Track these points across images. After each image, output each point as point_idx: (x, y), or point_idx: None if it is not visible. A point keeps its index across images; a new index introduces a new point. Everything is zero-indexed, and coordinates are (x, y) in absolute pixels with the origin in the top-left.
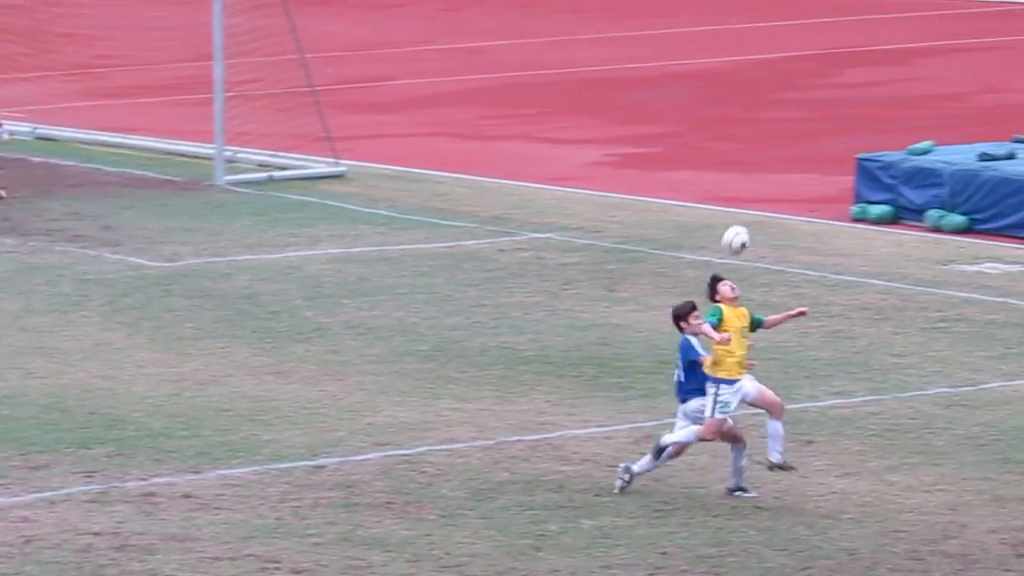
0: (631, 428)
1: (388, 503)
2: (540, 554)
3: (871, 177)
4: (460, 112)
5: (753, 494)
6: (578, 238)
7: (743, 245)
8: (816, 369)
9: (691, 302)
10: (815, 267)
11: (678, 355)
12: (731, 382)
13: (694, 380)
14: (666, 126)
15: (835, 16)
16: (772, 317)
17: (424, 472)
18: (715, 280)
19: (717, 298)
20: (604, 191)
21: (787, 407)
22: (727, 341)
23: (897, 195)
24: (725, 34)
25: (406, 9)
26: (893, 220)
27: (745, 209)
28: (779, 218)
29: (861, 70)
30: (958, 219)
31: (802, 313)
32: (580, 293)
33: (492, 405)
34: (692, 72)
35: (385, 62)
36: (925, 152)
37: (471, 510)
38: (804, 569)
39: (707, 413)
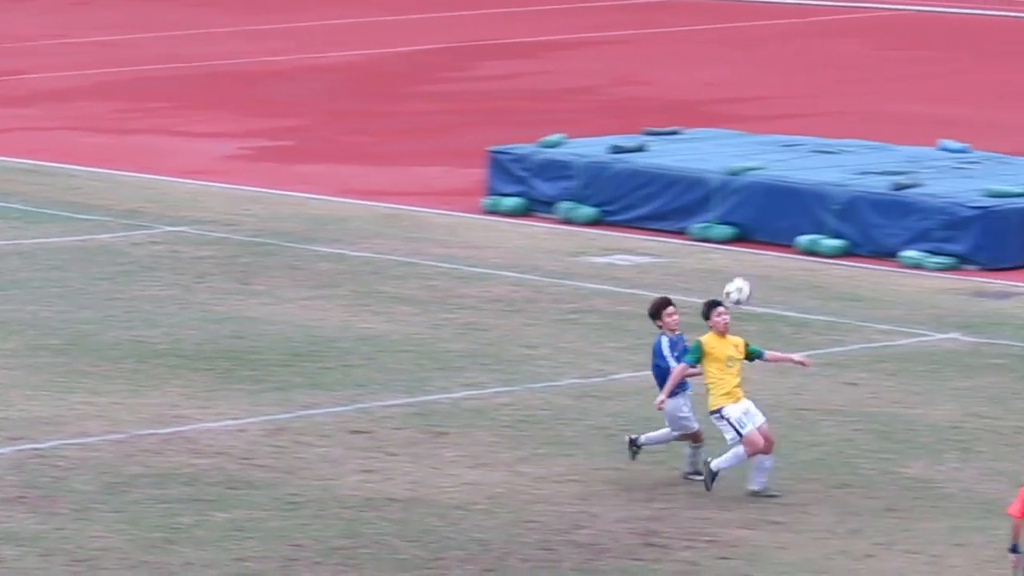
0: (265, 421)
1: (20, 497)
2: (173, 547)
3: (503, 170)
4: (95, 106)
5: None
6: (212, 231)
7: (737, 302)
8: (449, 361)
9: (665, 298)
10: (448, 259)
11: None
12: (732, 405)
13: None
14: (301, 119)
15: (467, 10)
16: (774, 353)
17: (57, 466)
18: (712, 305)
19: (709, 323)
20: (239, 184)
21: (420, 399)
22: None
23: (529, 187)
24: (359, 27)
25: (37, 2)
26: (525, 212)
27: (379, 202)
28: (412, 211)
29: (493, 63)
30: (589, 211)
31: (804, 364)
32: (214, 286)
33: (125, 399)
34: (327, 66)
35: (17, 55)
36: (556, 145)
37: (104, 504)
38: (436, 560)
39: (730, 437)
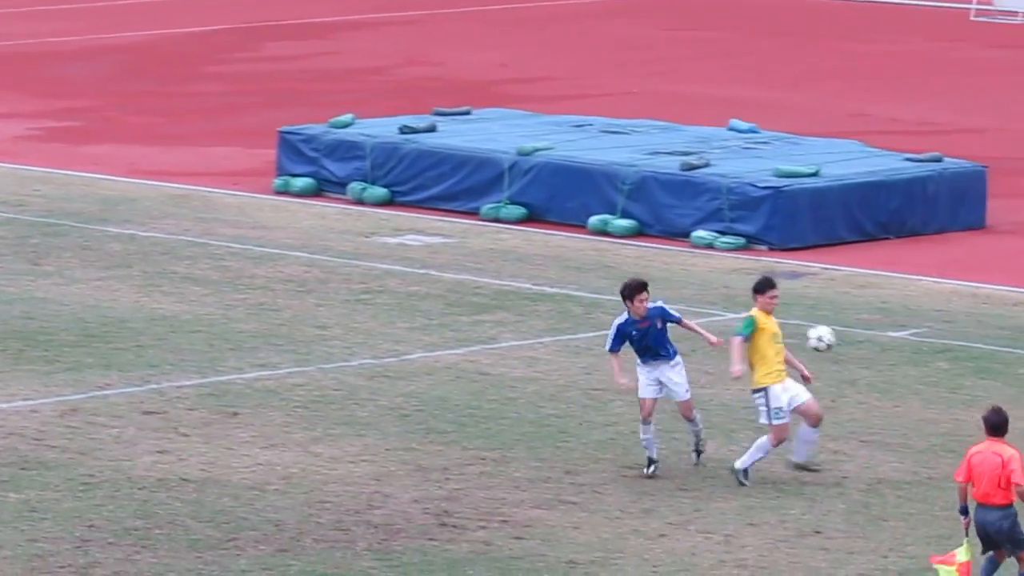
0: (57, 401)
1: None
2: None
3: (294, 150)
4: None
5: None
6: (1, 212)
7: (829, 346)
8: (241, 341)
9: (642, 283)
10: (239, 240)
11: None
12: (777, 386)
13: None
14: (89, 100)
15: None
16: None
17: None
18: (769, 284)
19: (761, 301)
20: (28, 165)
21: (212, 379)
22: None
23: (320, 168)
24: (148, 7)
25: None
26: (316, 193)
27: (169, 182)
28: (203, 191)
29: (282, 43)
30: (380, 191)
31: (807, 379)
32: (4, 267)
33: None
34: (115, 46)
35: None
36: (347, 125)
37: None
38: (230, 540)
39: (762, 420)
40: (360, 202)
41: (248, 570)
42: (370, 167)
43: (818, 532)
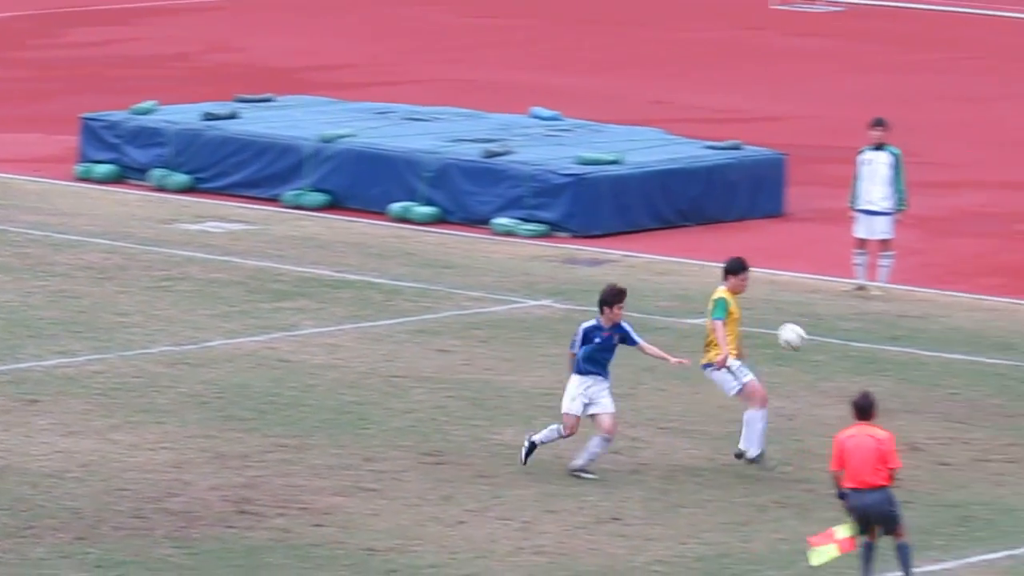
0: None
1: None
2: None
3: (96, 136)
4: None
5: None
6: None
7: (788, 343)
8: (41, 328)
9: (624, 292)
10: (39, 226)
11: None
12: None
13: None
14: None
15: None
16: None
17: None
18: (744, 267)
19: (734, 281)
20: None
21: (11, 367)
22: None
23: (122, 154)
24: None
25: None
26: (118, 179)
27: None
28: (2, 178)
29: (84, 29)
30: (182, 178)
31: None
32: None
33: None
34: None
35: None
36: (148, 112)
37: None
38: (28, 528)
39: (732, 386)
40: (162, 189)
41: (46, 558)
42: (172, 154)
43: (616, 519)
